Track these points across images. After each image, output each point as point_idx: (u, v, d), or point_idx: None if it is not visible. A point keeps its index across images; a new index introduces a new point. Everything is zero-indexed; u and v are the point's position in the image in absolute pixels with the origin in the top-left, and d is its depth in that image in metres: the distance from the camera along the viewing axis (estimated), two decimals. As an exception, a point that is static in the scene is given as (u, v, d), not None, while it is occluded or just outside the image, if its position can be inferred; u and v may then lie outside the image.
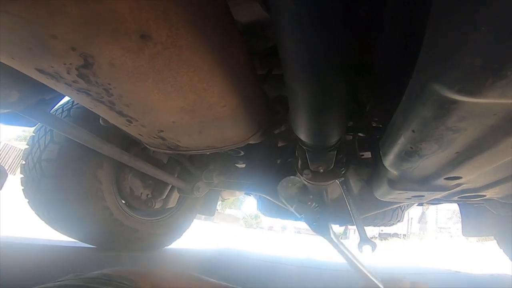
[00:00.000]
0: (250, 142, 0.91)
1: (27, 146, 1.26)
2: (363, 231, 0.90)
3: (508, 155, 0.46)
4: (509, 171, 0.57)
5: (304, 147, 0.81)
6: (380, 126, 0.97)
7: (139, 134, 0.83)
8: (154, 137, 0.81)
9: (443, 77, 0.32)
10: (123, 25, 0.42)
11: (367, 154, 1.23)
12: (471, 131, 0.40)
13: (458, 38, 0.27)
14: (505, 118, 0.36)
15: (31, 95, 0.75)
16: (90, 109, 0.70)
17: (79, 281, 0.39)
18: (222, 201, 2.48)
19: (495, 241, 2.01)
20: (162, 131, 0.76)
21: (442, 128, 0.40)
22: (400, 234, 16.53)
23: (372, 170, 1.02)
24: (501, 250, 1.90)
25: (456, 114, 0.36)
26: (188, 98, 0.61)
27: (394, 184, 0.71)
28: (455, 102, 0.33)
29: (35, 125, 1.16)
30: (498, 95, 0.30)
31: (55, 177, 1.17)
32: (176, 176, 1.41)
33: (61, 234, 1.38)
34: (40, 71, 0.52)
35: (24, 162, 1.23)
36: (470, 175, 0.59)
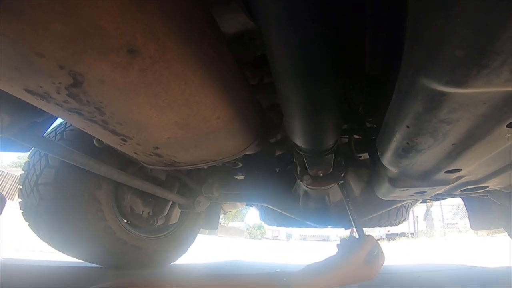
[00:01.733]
0: (247, 153, 0.90)
1: (23, 172, 1.25)
2: (362, 232, 0.89)
3: (503, 143, 0.46)
4: (508, 159, 0.57)
5: (302, 153, 0.80)
6: (375, 126, 0.97)
7: (135, 153, 0.82)
8: (150, 155, 0.81)
9: (430, 71, 0.32)
10: (110, 41, 0.42)
11: (365, 156, 1.23)
12: (464, 121, 0.40)
13: (439, 31, 0.27)
14: (495, 106, 0.36)
15: (22, 119, 0.75)
16: (83, 130, 0.69)
17: None
18: (224, 214, 2.46)
19: (505, 233, 1.98)
20: (157, 148, 0.76)
21: (435, 121, 0.40)
22: (408, 233, 16.37)
23: (371, 171, 1.02)
24: (513, 241, 1.86)
25: (447, 106, 0.36)
26: (181, 112, 0.61)
27: (395, 182, 0.71)
28: (444, 94, 0.33)
29: (29, 150, 1.15)
30: (484, 84, 0.30)
31: (53, 200, 1.16)
32: (175, 192, 1.40)
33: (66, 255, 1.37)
34: (29, 92, 0.52)
35: (21, 187, 1.22)
36: (470, 167, 0.59)
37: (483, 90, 0.31)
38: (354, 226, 0.89)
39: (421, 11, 0.28)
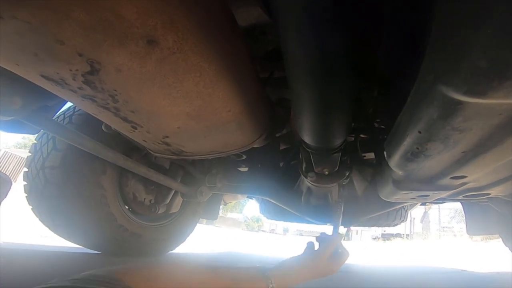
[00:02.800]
0: (255, 146, 0.91)
1: (29, 154, 1.26)
2: (336, 231, 0.94)
3: (513, 154, 0.46)
4: (514, 169, 0.58)
5: (309, 150, 0.81)
6: (383, 127, 0.97)
7: (144, 140, 0.83)
8: (159, 143, 0.81)
9: (450, 78, 0.32)
10: (131, 31, 0.42)
11: (369, 155, 1.24)
12: (476, 130, 0.40)
13: (465, 41, 0.28)
14: (510, 117, 0.36)
15: (34, 102, 0.75)
16: (94, 115, 0.70)
17: (66, 283, 0.40)
18: (224, 205, 2.48)
19: (499, 239, 2.00)
20: (167, 136, 0.76)
21: (448, 129, 0.40)
22: (403, 234, 16.47)
23: (375, 171, 1.02)
24: (507, 248, 1.88)
25: (462, 115, 0.36)
26: (194, 103, 0.62)
27: (399, 184, 0.71)
28: (461, 103, 0.34)
29: (37, 132, 1.16)
30: (503, 96, 0.30)
31: (59, 184, 1.17)
32: (179, 181, 1.41)
33: (66, 240, 1.39)
34: (45, 77, 0.52)
35: (27, 170, 1.23)
36: (476, 174, 0.59)
37: (501, 102, 0.31)
38: (333, 224, 0.94)
39: (449, 18, 0.28)
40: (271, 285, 0.64)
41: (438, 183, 0.67)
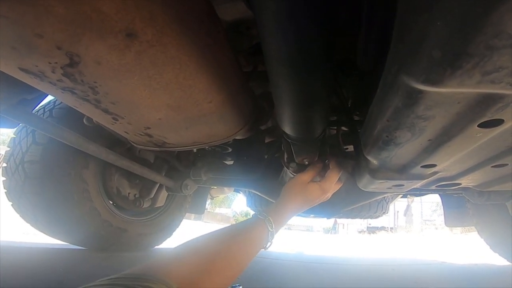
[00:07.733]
0: (237, 137, 0.92)
1: (8, 149, 1.23)
2: None
3: (474, 142, 0.49)
4: (478, 158, 0.61)
5: (289, 140, 0.83)
6: (362, 119, 1.01)
7: (125, 132, 0.83)
8: (141, 135, 0.82)
9: (409, 69, 0.35)
10: (110, 25, 0.43)
11: (351, 148, 1.27)
12: (439, 119, 0.43)
13: (420, 33, 0.30)
14: (468, 106, 0.39)
15: (12, 95, 0.74)
16: (75, 108, 0.70)
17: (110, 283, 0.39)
18: (211, 199, 2.49)
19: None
20: (148, 128, 0.77)
21: (413, 117, 0.43)
22: (388, 227, 16.93)
23: (355, 162, 1.06)
24: (482, 239, 1.94)
25: (423, 103, 0.39)
26: (174, 94, 0.62)
27: (374, 173, 0.74)
28: (421, 91, 0.36)
29: (15, 126, 1.14)
30: (457, 84, 0.33)
31: (39, 179, 1.15)
32: (163, 174, 1.41)
33: (49, 237, 1.37)
34: (24, 70, 0.52)
35: (5, 165, 1.21)
36: (444, 163, 0.63)
37: (456, 90, 0.34)
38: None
39: (406, 12, 0.31)
40: (270, 227, 0.65)
41: (410, 172, 0.70)
